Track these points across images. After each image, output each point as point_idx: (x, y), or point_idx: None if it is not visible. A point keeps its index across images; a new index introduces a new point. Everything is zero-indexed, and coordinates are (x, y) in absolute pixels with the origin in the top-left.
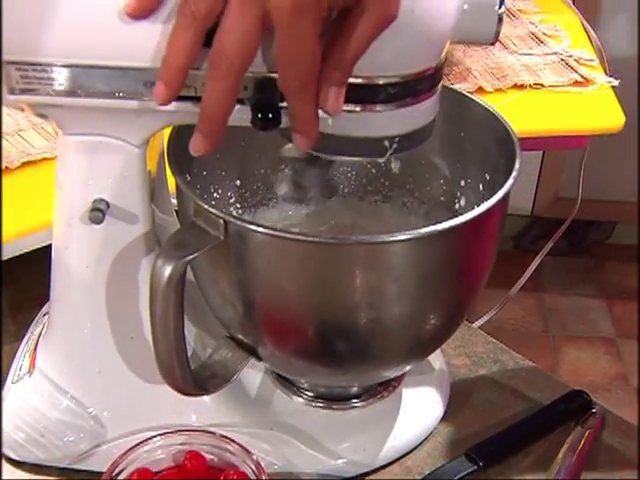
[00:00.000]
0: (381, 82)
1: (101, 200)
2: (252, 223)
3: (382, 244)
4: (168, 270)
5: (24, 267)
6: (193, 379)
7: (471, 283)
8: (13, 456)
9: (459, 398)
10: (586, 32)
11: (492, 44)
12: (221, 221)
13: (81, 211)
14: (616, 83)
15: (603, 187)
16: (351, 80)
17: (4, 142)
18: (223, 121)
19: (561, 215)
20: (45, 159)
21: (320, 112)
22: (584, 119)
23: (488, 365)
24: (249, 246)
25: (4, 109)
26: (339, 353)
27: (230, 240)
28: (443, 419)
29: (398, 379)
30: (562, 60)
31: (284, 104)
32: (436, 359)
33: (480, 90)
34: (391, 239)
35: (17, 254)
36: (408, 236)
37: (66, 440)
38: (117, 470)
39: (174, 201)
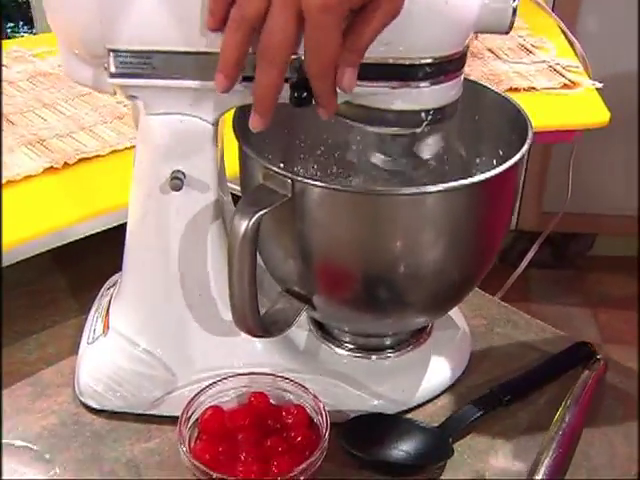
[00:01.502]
0: (419, 62)
1: (179, 171)
2: (315, 179)
3: (422, 195)
4: (244, 224)
5: (81, 253)
6: (262, 325)
7: (493, 235)
8: (94, 405)
9: (479, 351)
10: (570, 44)
11: (507, 33)
12: (289, 180)
13: (161, 181)
14: (600, 86)
15: (584, 201)
16: (395, 61)
17: (59, 142)
18: (273, 101)
19: (545, 229)
20: (98, 156)
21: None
22: (574, 116)
23: (502, 324)
24: (312, 201)
25: (58, 110)
26: (382, 299)
27: (296, 197)
28: (467, 369)
29: (426, 334)
30: (550, 67)
31: None
32: (457, 318)
33: None
34: (431, 190)
35: (74, 239)
36: (443, 187)
37: (141, 388)
38: (192, 409)
39: (230, 185)
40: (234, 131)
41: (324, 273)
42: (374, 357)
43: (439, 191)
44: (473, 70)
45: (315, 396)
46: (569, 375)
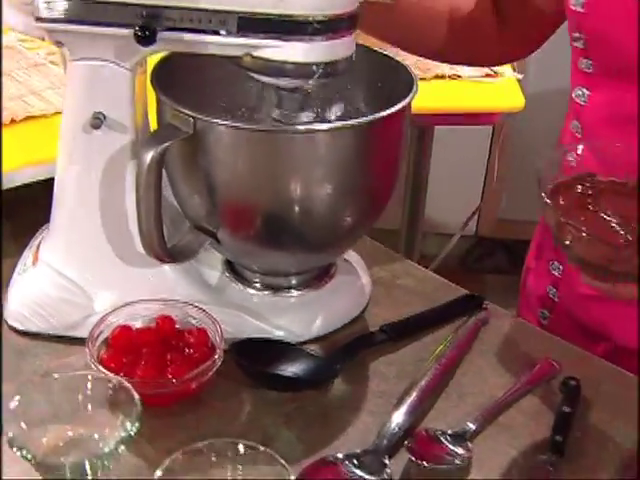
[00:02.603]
0: (311, 19)
1: (100, 112)
2: (215, 118)
3: (314, 132)
4: (149, 156)
5: (22, 203)
6: (167, 250)
7: (379, 178)
8: (18, 326)
9: (379, 297)
10: None
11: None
12: (191, 119)
13: (84, 122)
14: (520, 77)
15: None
16: (289, 18)
17: (10, 102)
18: None
19: (502, 235)
20: (43, 115)
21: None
22: (494, 101)
23: (403, 277)
24: (212, 138)
25: (13, 77)
26: (281, 235)
27: (198, 134)
28: (364, 312)
29: (328, 278)
30: None
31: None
32: (360, 268)
33: None
34: (321, 127)
35: (17, 185)
36: (332, 126)
37: (63, 312)
38: (102, 327)
39: None
40: (151, 83)
41: (226, 209)
42: (279, 295)
43: (329, 129)
44: (405, 58)
45: (215, 319)
46: (458, 322)
